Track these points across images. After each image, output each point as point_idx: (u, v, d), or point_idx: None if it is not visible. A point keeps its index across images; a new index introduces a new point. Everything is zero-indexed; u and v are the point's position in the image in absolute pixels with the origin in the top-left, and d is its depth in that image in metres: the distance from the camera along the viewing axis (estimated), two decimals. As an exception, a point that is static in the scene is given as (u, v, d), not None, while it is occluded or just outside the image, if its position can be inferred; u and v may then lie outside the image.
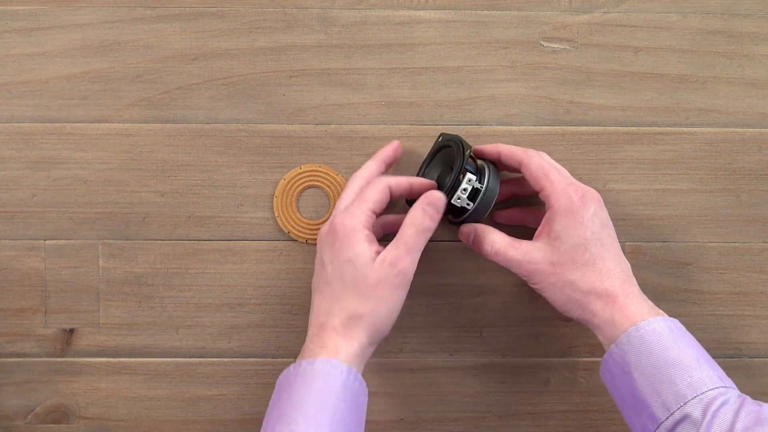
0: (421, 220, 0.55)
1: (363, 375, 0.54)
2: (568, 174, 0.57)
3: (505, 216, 0.63)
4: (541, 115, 0.64)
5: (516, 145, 0.60)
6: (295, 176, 0.64)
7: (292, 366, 0.54)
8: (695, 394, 0.49)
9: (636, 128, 0.64)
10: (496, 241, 0.57)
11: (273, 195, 0.64)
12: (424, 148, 0.63)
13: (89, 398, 0.63)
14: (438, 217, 0.56)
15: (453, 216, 0.60)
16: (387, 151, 0.61)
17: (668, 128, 0.64)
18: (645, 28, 0.64)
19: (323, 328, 0.54)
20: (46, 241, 0.63)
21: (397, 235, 0.55)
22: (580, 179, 0.58)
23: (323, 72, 0.64)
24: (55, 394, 0.63)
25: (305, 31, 0.64)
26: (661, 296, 0.64)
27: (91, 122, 0.63)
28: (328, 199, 0.64)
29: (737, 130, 0.64)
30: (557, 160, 0.59)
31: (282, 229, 0.64)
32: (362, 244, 0.54)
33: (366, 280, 0.54)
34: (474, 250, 0.59)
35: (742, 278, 0.64)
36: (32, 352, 0.63)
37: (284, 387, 0.53)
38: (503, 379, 0.64)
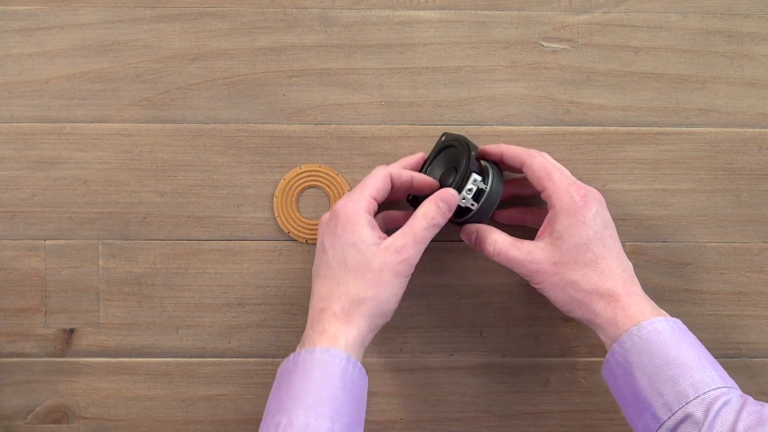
0: (434, 214, 0.55)
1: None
2: (569, 174, 0.57)
3: (505, 216, 0.63)
4: (541, 115, 0.64)
5: (517, 146, 0.60)
6: (295, 176, 0.64)
7: (291, 355, 0.54)
8: (697, 394, 0.49)
9: (636, 128, 0.64)
10: (498, 241, 0.57)
11: (273, 195, 0.63)
12: (425, 148, 0.63)
13: (89, 398, 0.63)
14: (449, 215, 0.56)
15: (456, 216, 0.60)
16: (411, 159, 0.61)
17: (668, 128, 0.64)
18: (645, 28, 0.64)
19: (323, 314, 0.54)
20: (46, 241, 0.63)
21: (406, 225, 0.55)
22: (580, 179, 0.58)
23: (323, 72, 0.64)
24: (55, 394, 0.63)
25: (305, 31, 0.64)
26: (661, 296, 0.64)
27: (91, 122, 0.63)
28: (328, 199, 0.64)
29: (737, 130, 0.64)
30: (557, 160, 0.59)
31: (282, 229, 0.63)
32: (366, 229, 0.54)
33: (369, 264, 0.53)
34: (476, 251, 0.59)
35: (742, 278, 0.64)
36: (32, 352, 0.63)
37: (284, 377, 0.53)
38: (503, 379, 0.64)
